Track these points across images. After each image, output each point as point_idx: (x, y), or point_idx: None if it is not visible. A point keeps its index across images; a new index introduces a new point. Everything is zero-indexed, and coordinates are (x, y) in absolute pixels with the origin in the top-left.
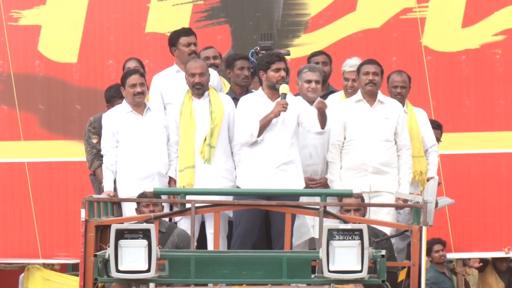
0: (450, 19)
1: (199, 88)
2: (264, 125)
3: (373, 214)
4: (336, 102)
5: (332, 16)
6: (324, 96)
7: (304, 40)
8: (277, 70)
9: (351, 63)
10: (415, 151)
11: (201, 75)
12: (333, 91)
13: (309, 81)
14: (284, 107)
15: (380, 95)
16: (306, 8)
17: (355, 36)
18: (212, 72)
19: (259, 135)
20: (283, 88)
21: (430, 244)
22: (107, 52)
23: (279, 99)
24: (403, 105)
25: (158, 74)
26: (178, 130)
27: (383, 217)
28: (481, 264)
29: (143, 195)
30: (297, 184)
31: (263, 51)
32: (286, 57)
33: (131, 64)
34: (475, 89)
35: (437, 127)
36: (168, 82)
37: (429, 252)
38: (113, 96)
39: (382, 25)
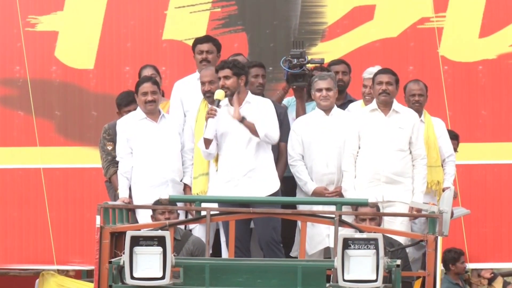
0: (467, 29)
1: (209, 96)
2: (205, 136)
3: (387, 224)
4: (357, 110)
5: (349, 25)
6: (343, 105)
7: (321, 48)
8: (219, 79)
9: (371, 71)
10: (432, 161)
11: (211, 83)
12: (351, 100)
13: (320, 90)
14: (210, 113)
15: (396, 105)
16: (324, 17)
17: (372, 45)
18: None
19: (206, 147)
20: (216, 94)
21: (459, 254)
22: (124, 58)
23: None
24: (421, 114)
25: (179, 81)
26: (193, 137)
27: (397, 227)
28: (492, 275)
29: (158, 202)
30: (267, 190)
31: (294, 59)
32: (319, 64)
33: (147, 72)
34: (492, 99)
35: (454, 137)
36: (189, 89)
37: (454, 262)
38: (119, 104)
39: (399, 35)
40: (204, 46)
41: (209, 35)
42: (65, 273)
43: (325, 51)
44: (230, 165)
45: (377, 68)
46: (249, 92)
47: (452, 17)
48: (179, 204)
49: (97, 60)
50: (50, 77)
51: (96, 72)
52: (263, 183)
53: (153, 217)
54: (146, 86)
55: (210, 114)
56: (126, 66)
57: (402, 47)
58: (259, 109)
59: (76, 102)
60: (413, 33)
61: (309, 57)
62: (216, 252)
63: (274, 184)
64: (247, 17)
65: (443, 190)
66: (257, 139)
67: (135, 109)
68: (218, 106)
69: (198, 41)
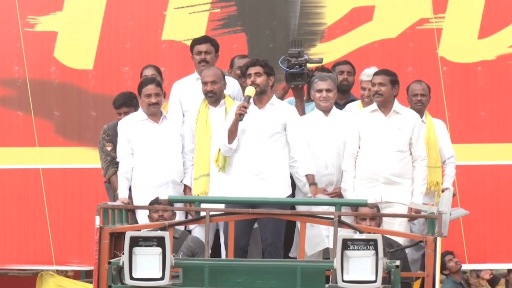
0: (466, 30)
1: (211, 96)
2: (230, 132)
3: (386, 225)
4: (354, 111)
5: (349, 26)
6: (343, 105)
7: (320, 49)
8: (249, 75)
9: (369, 72)
10: (432, 162)
11: (213, 83)
12: (353, 100)
13: (320, 91)
14: (241, 109)
15: (397, 105)
16: (323, 18)
17: (371, 46)
18: (231, 81)
19: (230, 142)
20: (247, 90)
21: (442, 257)
22: (123, 59)
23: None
24: (423, 115)
25: (178, 81)
26: (193, 138)
27: (396, 228)
28: (491, 276)
29: (155, 201)
30: (278, 192)
31: (293, 58)
32: (318, 64)
33: (148, 72)
34: (490, 100)
35: None
36: (187, 90)
37: (444, 266)
38: (118, 105)
39: (398, 35)
40: (203, 47)
41: (207, 36)
42: (64, 273)
43: (324, 51)
44: (244, 163)
45: (373, 69)
46: (274, 96)
47: (451, 18)
48: (179, 205)
49: (96, 60)
50: (49, 77)
51: (95, 73)
52: (273, 186)
53: (149, 216)
54: (150, 88)
55: (241, 111)
56: (125, 67)
57: (401, 48)
58: (284, 115)
59: (75, 103)
60: (412, 34)
61: (308, 57)
62: (215, 253)
63: (284, 188)
64: (246, 18)
65: (443, 191)
66: (275, 139)
67: (125, 113)
68: (248, 102)
69: (196, 41)
